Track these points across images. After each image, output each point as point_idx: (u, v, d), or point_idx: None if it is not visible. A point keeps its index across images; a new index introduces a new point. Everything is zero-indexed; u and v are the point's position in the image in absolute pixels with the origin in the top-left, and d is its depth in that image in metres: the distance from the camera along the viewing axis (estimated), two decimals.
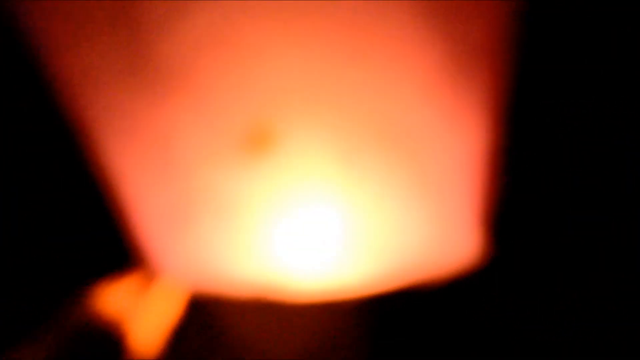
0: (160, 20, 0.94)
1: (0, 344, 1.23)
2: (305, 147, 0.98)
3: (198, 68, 1.01)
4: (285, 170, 1.01)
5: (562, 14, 1.36)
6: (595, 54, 1.39)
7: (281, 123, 0.99)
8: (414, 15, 0.94)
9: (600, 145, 1.39)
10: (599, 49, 1.39)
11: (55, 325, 1.23)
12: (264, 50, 0.96)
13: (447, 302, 1.30)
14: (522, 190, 1.31)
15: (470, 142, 1.03)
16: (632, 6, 1.35)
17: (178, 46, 0.96)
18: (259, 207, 1.02)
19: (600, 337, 1.39)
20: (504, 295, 1.35)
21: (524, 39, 1.14)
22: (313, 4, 0.94)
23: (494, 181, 1.09)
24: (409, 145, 0.97)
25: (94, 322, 1.23)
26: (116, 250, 1.24)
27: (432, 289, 1.07)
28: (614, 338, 1.39)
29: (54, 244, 1.44)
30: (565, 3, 1.35)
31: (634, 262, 1.39)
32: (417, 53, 0.96)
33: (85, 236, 1.41)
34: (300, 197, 1.01)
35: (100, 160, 1.18)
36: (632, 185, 1.39)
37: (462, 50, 0.99)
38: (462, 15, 0.98)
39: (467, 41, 1.00)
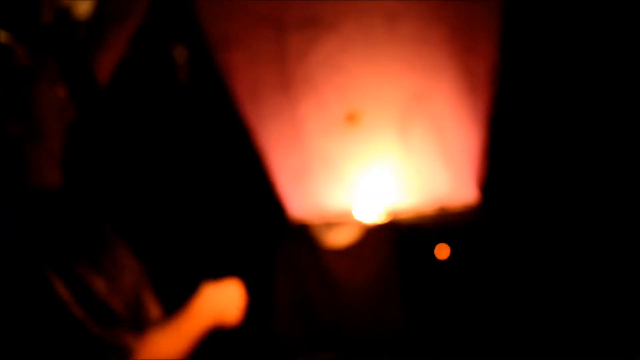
0: (304, 47, 1.66)
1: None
2: (377, 122, 1.68)
3: (322, 77, 1.72)
4: (366, 137, 1.70)
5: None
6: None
7: (363, 108, 1.69)
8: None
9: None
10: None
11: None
12: (354, 64, 1.67)
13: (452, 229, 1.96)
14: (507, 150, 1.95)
15: (473, 108, 1.70)
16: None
17: (313, 63, 1.68)
18: (351, 160, 1.71)
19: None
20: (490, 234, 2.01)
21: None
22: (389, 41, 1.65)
23: (486, 141, 1.75)
24: (434, 118, 1.65)
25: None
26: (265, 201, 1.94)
27: (444, 218, 1.73)
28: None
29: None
30: None
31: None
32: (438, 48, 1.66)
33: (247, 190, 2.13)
34: (374, 153, 1.70)
35: (256, 139, 1.89)
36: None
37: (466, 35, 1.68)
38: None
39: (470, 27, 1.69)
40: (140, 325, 1.65)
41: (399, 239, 2.05)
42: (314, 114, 1.74)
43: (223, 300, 1.75)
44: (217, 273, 1.84)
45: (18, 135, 1.62)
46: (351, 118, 1.68)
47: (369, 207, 1.73)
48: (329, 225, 1.93)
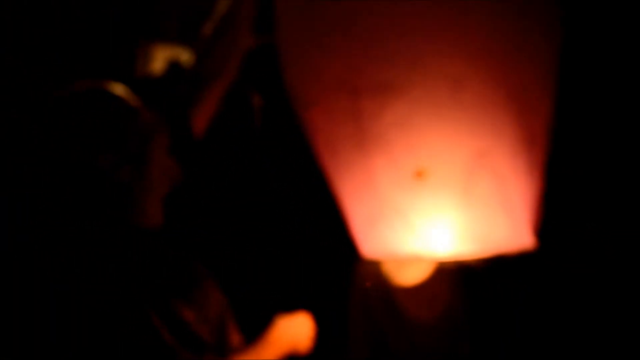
0: (376, 109, 1.85)
1: None
2: (443, 177, 1.85)
3: (393, 136, 1.90)
4: (432, 189, 1.88)
5: None
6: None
7: (431, 164, 1.87)
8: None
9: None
10: None
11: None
12: (422, 125, 1.86)
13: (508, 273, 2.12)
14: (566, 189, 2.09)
15: (530, 160, 1.87)
16: None
17: (385, 123, 1.87)
18: (419, 209, 1.89)
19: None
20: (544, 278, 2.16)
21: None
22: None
23: (542, 189, 1.90)
24: (495, 171, 1.82)
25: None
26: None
27: (504, 263, 1.90)
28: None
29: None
30: None
31: None
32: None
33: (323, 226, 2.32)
34: (440, 204, 1.87)
35: (333, 187, 2.08)
36: None
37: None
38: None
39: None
40: (224, 351, 1.85)
41: (465, 280, 2.24)
42: (385, 168, 1.93)
43: (296, 331, 1.97)
44: (292, 306, 2.04)
45: (129, 180, 1.80)
46: (419, 174, 1.87)
47: (434, 251, 1.92)
48: (399, 265, 2.14)
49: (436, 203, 1.88)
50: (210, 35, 2.24)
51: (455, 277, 2.42)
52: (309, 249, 2.53)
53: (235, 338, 1.93)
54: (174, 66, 3.14)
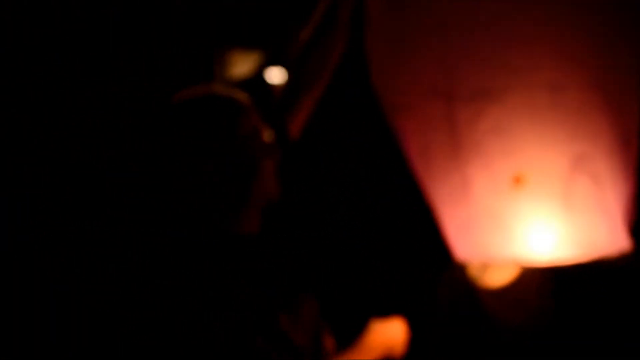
0: (472, 117, 1.86)
1: None
2: (541, 183, 1.85)
3: (490, 143, 1.91)
4: (530, 195, 1.88)
5: None
6: None
7: (529, 171, 1.87)
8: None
9: None
10: None
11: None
12: (520, 131, 1.86)
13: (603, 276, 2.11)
14: None
15: (624, 161, 1.86)
16: None
17: (481, 131, 1.87)
18: (515, 214, 1.89)
19: None
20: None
21: None
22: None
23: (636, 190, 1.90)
24: (593, 175, 1.82)
25: None
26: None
27: (600, 265, 1.89)
28: None
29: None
30: None
31: None
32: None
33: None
34: (537, 209, 1.87)
35: (426, 193, 2.09)
36: None
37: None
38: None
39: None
40: (319, 357, 1.85)
41: (557, 283, 2.24)
42: (481, 174, 1.94)
43: (391, 336, 1.97)
44: (386, 311, 2.06)
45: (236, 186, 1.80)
46: (517, 181, 1.88)
47: (534, 256, 1.92)
48: (486, 267, 2.15)
49: (535, 208, 1.89)
50: (307, 40, 2.25)
51: (544, 279, 2.41)
52: (400, 253, 2.54)
53: (329, 343, 1.94)
54: (261, 71, 3.17)
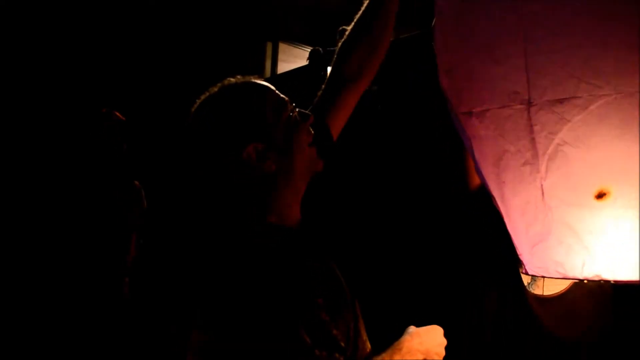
0: (552, 125, 1.73)
1: None
2: (625, 197, 1.72)
3: (571, 154, 1.78)
4: (612, 210, 1.74)
5: None
6: None
7: (612, 185, 1.74)
8: None
9: None
10: None
11: None
12: (604, 143, 1.72)
13: None
14: None
15: None
16: None
17: (561, 141, 1.74)
18: (597, 229, 1.76)
19: None
20: None
21: None
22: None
23: None
24: None
25: None
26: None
27: None
28: None
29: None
30: None
31: None
32: None
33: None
34: (621, 224, 1.74)
35: (498, 202, 1.96)
36: None
37: None
38: None
39: None
40: (355, 356, 1.79)
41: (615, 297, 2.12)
42: (560, 186, 1.81)
43: (429, 343, 1.91)
44: (425, 317, 1.97)
45: (274, 172, 1.77)
46: (601, 194, 1.74)
47: (612, 274, 1.79)
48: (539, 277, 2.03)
49: (619, 225, 1.75)
50: (352, 35, 2.14)
51: (603, 293, 2.29)
52: (448, 260, 2.43)
53: (366, 346, 1.86)
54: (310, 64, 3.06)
